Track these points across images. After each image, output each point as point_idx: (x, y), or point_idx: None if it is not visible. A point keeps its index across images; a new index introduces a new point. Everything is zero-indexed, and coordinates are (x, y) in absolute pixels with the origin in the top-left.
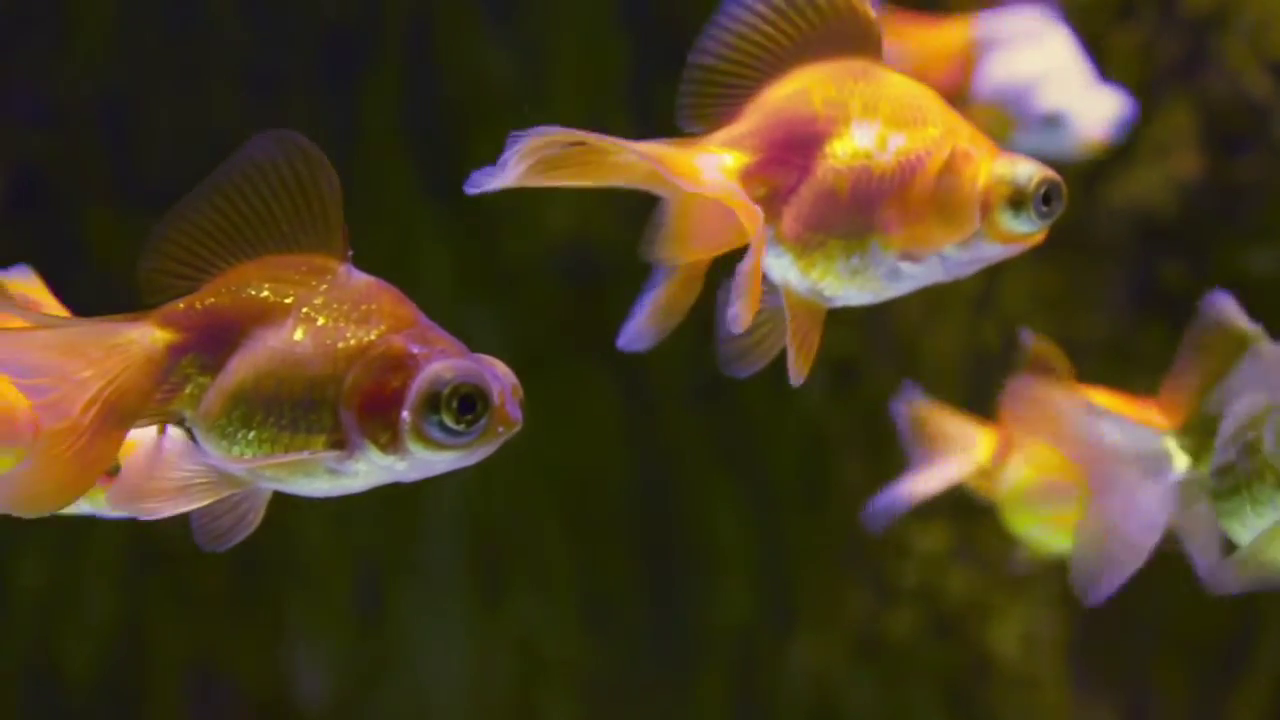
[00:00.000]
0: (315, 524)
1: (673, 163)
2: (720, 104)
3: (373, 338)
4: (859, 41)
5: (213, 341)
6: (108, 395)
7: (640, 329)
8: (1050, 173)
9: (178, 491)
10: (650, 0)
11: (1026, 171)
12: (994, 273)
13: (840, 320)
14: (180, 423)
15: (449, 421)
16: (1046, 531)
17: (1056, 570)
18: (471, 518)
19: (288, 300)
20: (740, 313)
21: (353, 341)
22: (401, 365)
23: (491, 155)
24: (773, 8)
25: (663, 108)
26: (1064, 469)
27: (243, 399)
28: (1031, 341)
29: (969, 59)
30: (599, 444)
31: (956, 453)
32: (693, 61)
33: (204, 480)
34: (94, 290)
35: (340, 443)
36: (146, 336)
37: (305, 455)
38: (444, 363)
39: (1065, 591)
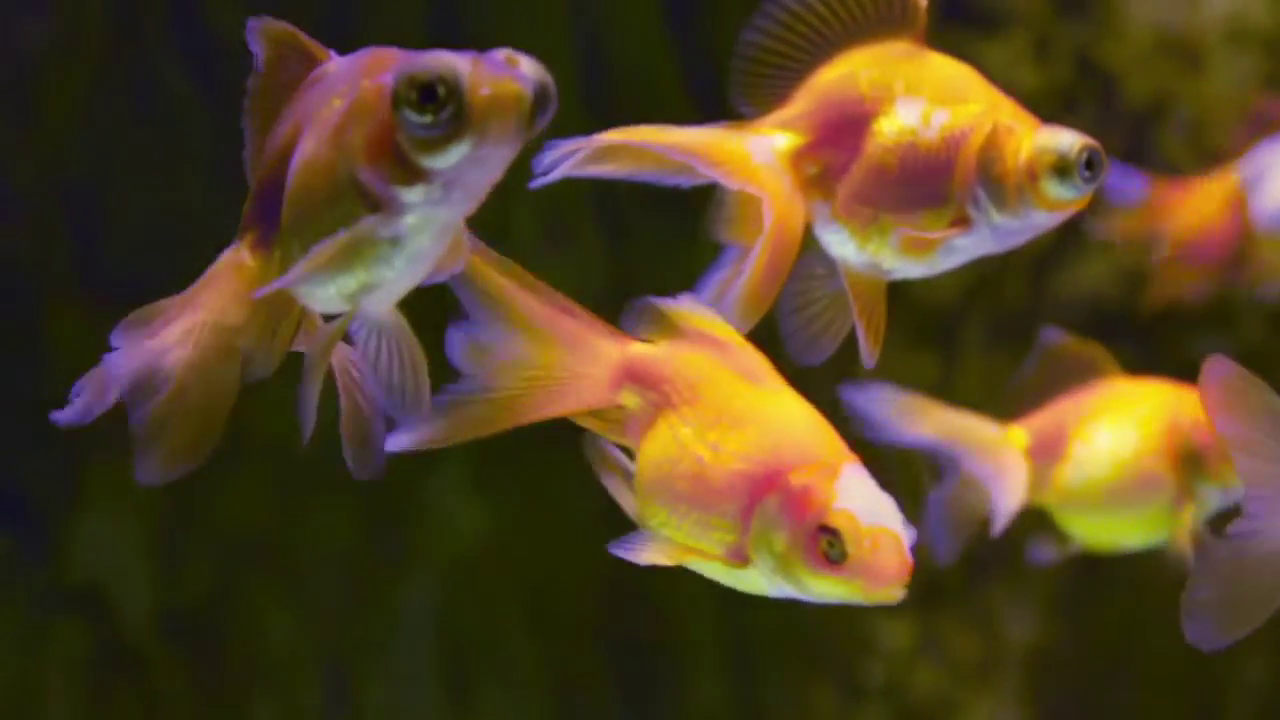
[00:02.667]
0: (283, 624)
1: (721, 149)
2: (771, 85)
3: (356, 96)
4: (903, 24)
5: (275, 214)
6: (212, 321)
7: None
8: (1092, 140)
9: (314, 363)
10: (611, 90)
11: (1069, 140)
12: (949, 362)
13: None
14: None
15: (416, 116)
16: (1094, 532)
17: (1022, 665)
18: (440, 616)
19: (296, 128)
20: (747, 304)
21: (344, 112)
22: (380, 96)
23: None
24: None
25: (624, 199)
26: (1121, 471)
27: (294, 230)
28: (1058, 339)
29: (1240, 202)
30: (567, 538)
31: (995, 464)
32: (745, 40)
33: (322, 339)
34: (58, 381)
35: (376, 205)
36: (234, 253)
37: (342, 234)
38: (400, 63)
39: (1030, 687)
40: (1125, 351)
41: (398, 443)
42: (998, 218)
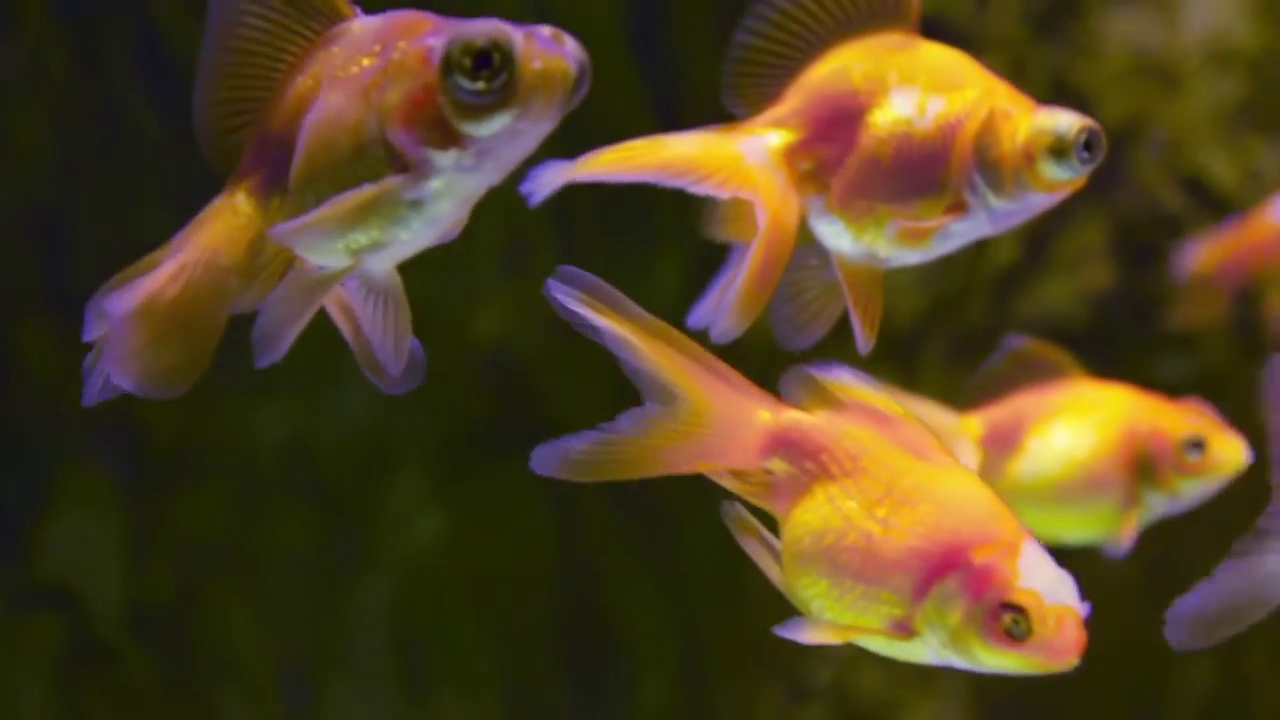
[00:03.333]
0: (246, 623)
1: (713, 155)
2: (763, 84)
3: (394, 57)
4: (895, 16)
5: (281, 160)
6: (207, 260)
7: (710, 309)
8: (1090, 121)
9: (298, 310)
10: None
11: (1067, 121)
12: (910, 381)
13: None
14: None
15: (466, 81)
16: (1037, 524)
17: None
18: (397, 618)
19: (314, 82)
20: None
21: (377, 72)
22: (423, 60)
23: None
24: None
25: (583, 220)
26: (1073, 470)
27: (307, 184)
28: (1024, 344)
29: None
30: (522, 542)
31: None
32: (736, 41)
33: (314, 288)
34: (28, 403)
35: (404, 166)
36: (231, 196)
37: (368, 187)
38: (454, 30)
39: (974, 689)
40: (1087, 371)
41: (543, 468)
42: (995, 202)
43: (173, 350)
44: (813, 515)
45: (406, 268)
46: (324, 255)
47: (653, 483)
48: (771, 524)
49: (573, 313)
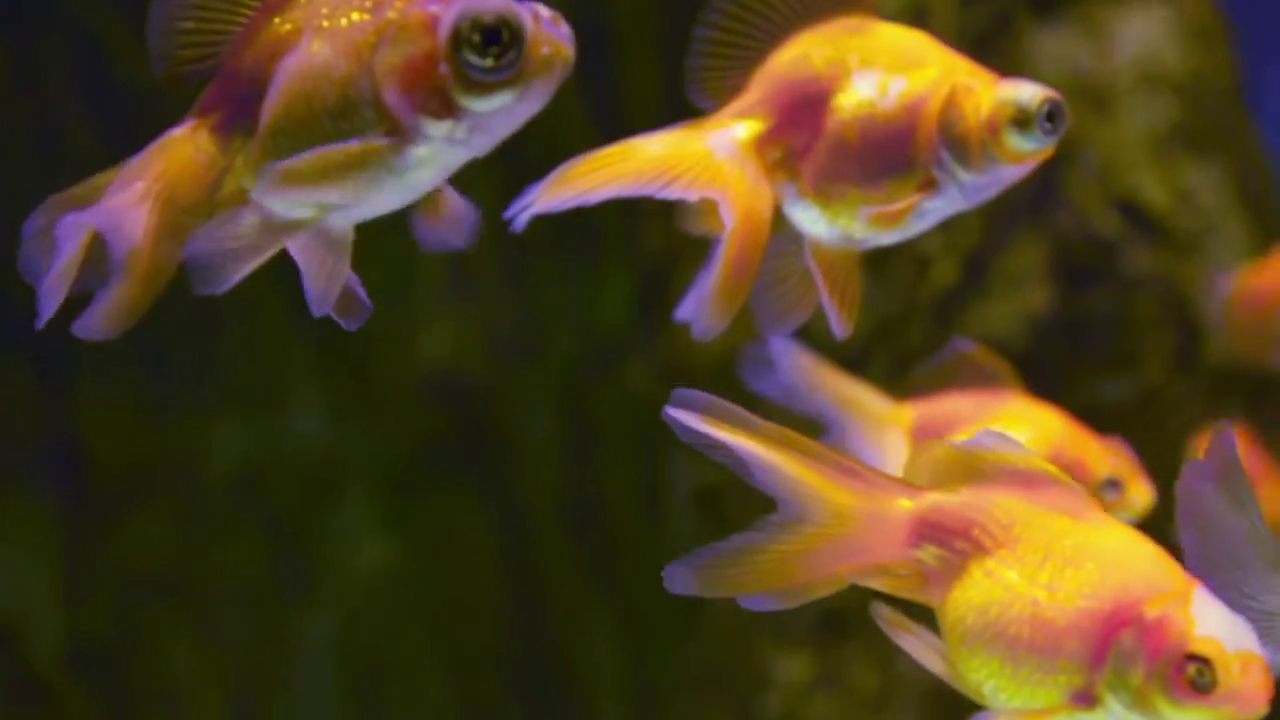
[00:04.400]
0: (188, 655)
1: (681, 156)
2: (727, 77)
3: (390, 16)
4: (852, 1)
5: (246, 103)
6: (166, 194)
7: (693, 305)
8: (1052, 91)
9: (247, 253)
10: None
11: (1029, 92)
12: None
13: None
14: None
15: (476, 58)
16: None
17: (919, 698)
18: (344, 647)
19: (299, 25)
20: (716, 311)
21: (372, 30)
22: (426, 27)
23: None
24: None
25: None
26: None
27: (281, 131)
28: (970, 349)
29: None
30: (471, 570)
31: (874, 435)
32: (697, 36)
33: (269, 235)
34: None
35: (394, 129)
36: (193, 130)
37: (357, 142)
38: (465, 3)
39: (924, 716)
40: (1026, 388)
41: (678, 586)
42: (964, 176)
43: (130, 292)
44: (974, 592)
45: None
46: (289, 206)
47: (605, 510)
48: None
49: (694, 434)
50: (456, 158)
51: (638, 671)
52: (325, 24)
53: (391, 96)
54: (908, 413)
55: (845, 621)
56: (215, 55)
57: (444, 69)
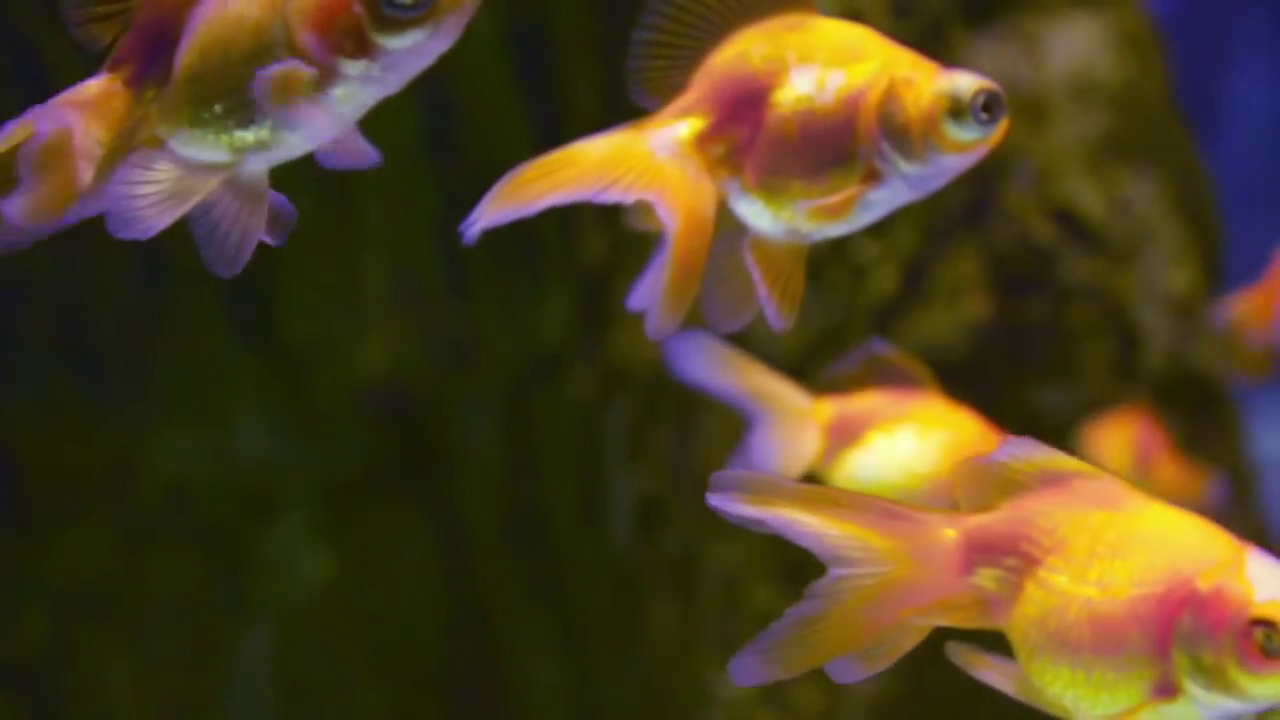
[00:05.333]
0: (123, 674)
1: (621, 157)
2: (669, 77)
3: None
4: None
5: (158, 55)
6: (82, 130)
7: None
8: (988, 82)
9: (168, 200)
10: (458, 146)
11: (964, 83)
12: None
13: (645, 461)
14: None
15: None
16: None
17: (861, 712)
18: (280, 665)
19: None
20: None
21: None
22: None
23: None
24: None
25: (470, 252)
26: (908, 479)
27: (196, 78)
28: (885, 350)
29: None
30: (411, 584)
31: (790, 428)
32: (637, 37)
33: (189, 180)
34: None
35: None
36: (106, 82)
37: (291, 64)
38: None
39: None
40: (966, 400)
41: (748, 679)
42: (907, 167)
43: (43, 200)
44: (1031, 607)
45: (291, 300)
46: (206, 150)
47: (546, 522)
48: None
49: (742, 518)
50: (372, 95)
51: (579, 687)
52: None
53: (306, 38)
54: (825, 409)
55: None
56: (127, 8)
57: (358, 8)
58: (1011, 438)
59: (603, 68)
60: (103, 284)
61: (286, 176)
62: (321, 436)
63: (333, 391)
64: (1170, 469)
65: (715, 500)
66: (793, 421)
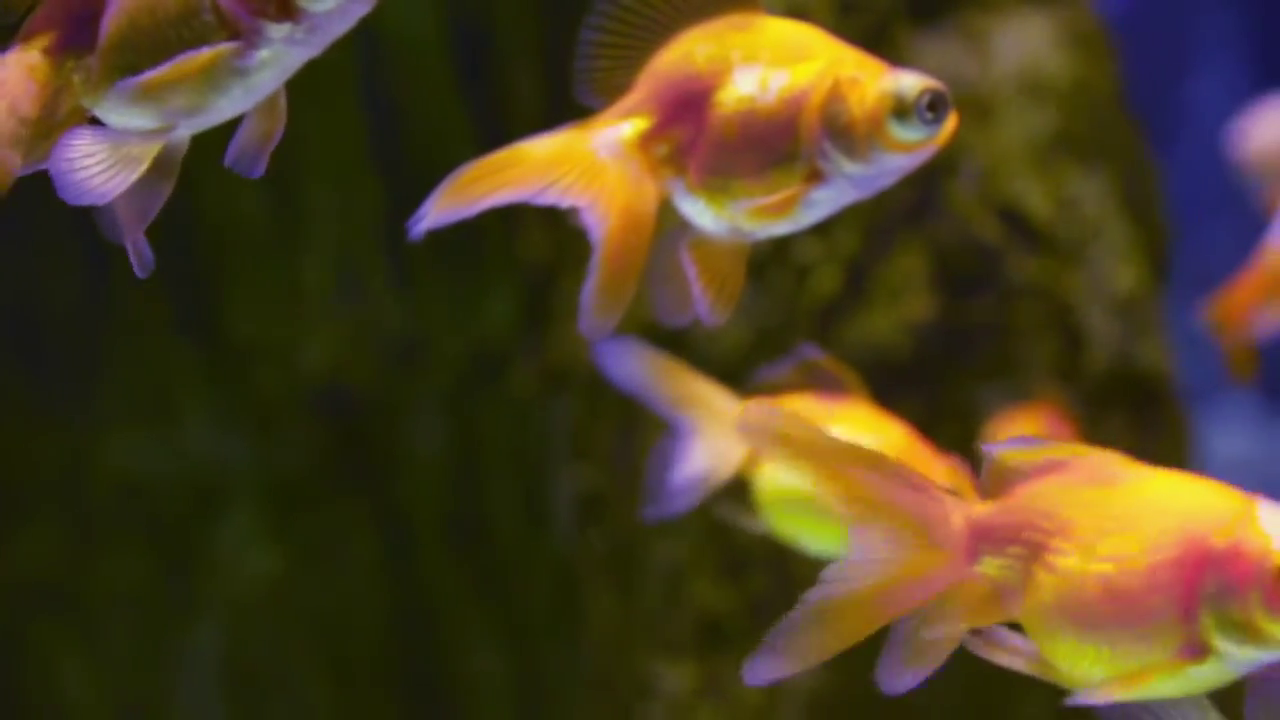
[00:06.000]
0: (74, 669)
1: (563, 157)
2: (614, 75)
3: None
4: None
5: (81, 25)
6: (6, 106)
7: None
8: (932, 81)
9: (114, 169)
10: (401, 146)
11: (908, 82)
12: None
13: (587, 457)
14: (90, 117)
15: None
16: (783, 522)
17: (803, 709)
18: (230, 660)
19: None
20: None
21: None
22: None
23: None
24: None
25: (415, 251)
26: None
27: (124, 44)
28: (814, 355)
29: None
30: (357, 581)
31: (717, 431)
32: (584, 38)
33: (127, 150)
34: None
35: (236, 34)
36: (23, 53)
37: (207, 50)
38: None
39: None
40: (910, 400)
41: (761, 677)
42: (850, 167)
43: None
44: (1044, 593)
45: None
46: (135, 117)
47: (490, 518)
48: None
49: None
50: (297, 58)
51: (522, 680)
52: None
53: (229, 2)
54: None
55: (726, 631)
56: None
57: None
58: (1010, 438)
59: (545, 67)
60: (49, 282)
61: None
62: (268, 433)
63: (278, 389)
64: None
65: (744, 434)
66: (721, 425)
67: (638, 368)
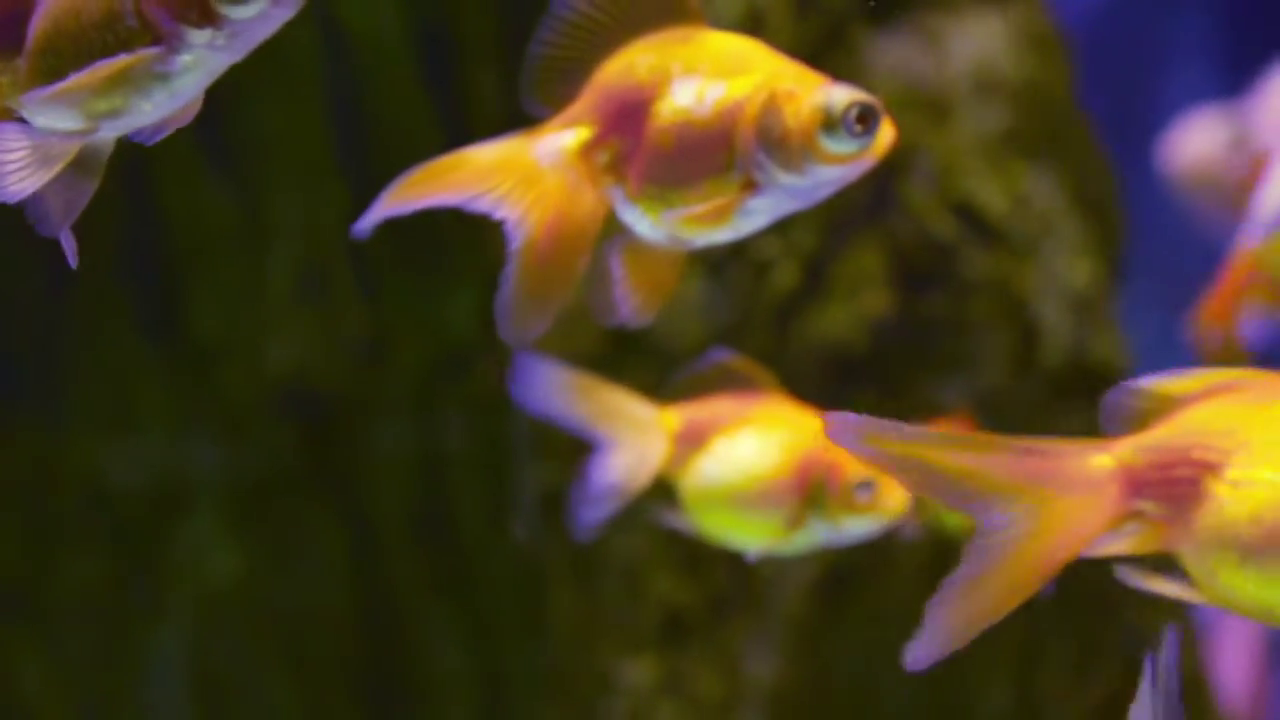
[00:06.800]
0: (34, 672)
1: (505, 165)
2: (561, 86)
3: None
4: (678, 14)
5: (8, 27)
6: None
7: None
8: (861, 95)
9: (30, 168)
10: (366, 146)
11: (837, 95)
12: None
13: (549, 455)
14: (17, 117)
15: None
16: (708, 520)
17: (764, 703)
18: (193, 661)
19: None
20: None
21: None
22: None
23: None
24: None
25: (379, 251)
26: (747, 479)
27: (50, 48)
28: (727, 357)
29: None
30: (321, 582)
31: (638, 438)
32: (531, 51)
33: (47, 150)
34: None
35: (159, 39)
36: None
37: (125, 56)
38: None
39: None
40: (868, 395)
41: (926, 658)
42: (785, 178)
43: None
44: (1232, 509)
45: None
46: (62, 120)
47: (453, 518)
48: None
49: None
50: (220, 63)
51: (486, 677)
52: None
53: (151, 8)
54: (672, 417)
55: (688, 626)
56: None
57: None
58: None
59: (509, 67)
60: (9, 284)
61: (196, 175)
62: (231, 434)
63: (242, 390)
64: None
65: (834, 436)
66: (639, 432)
67: (550, 391)
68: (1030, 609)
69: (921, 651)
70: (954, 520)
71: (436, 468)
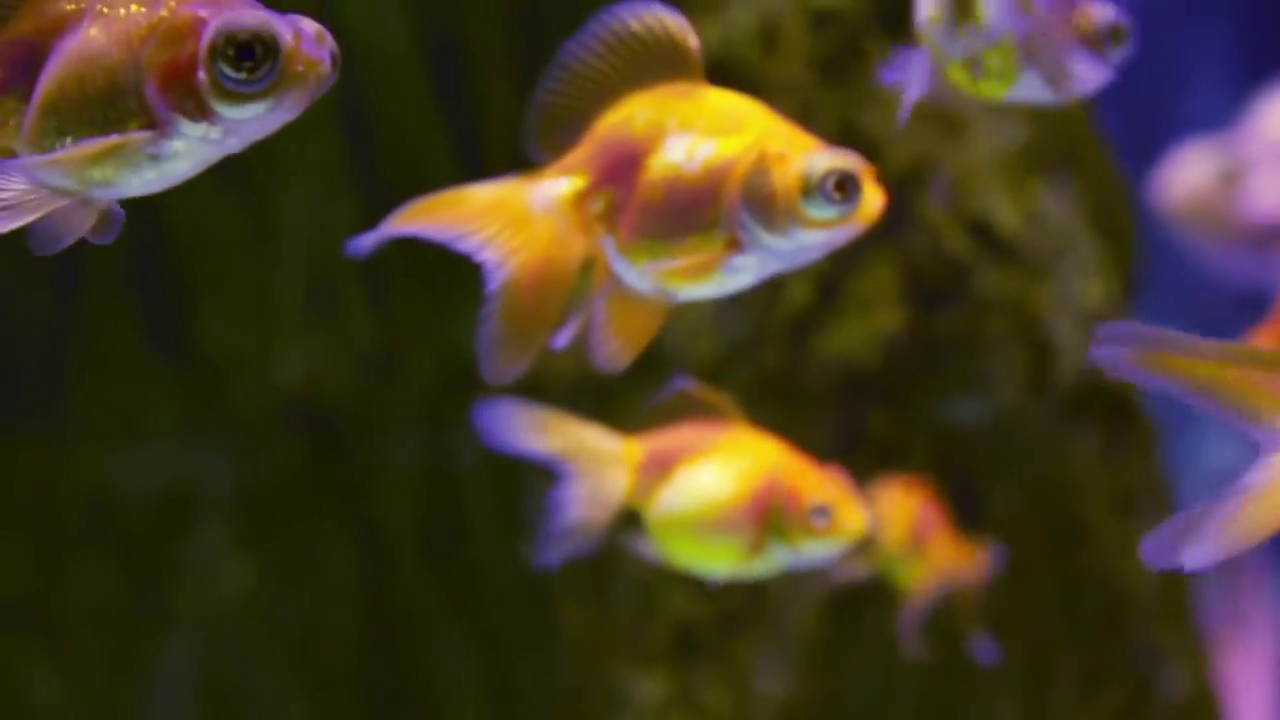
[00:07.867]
0: (45, 683)
1: (503, 204)
2: (562, 134)
3: (163, 14)
4: (681, 68)
5: (24, 69)
6: None
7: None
8: (842, 162)
9: (11, 209)
10: (377, 158)
11: (818, 162)
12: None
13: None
14: (12, 154)
15: (230, 70)
16: (674, 548)
17: (771, 714)
18: (202, 673)
19: (81, 6)
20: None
21: (144, 23)
22: (191, 30)
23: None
24: (604, 45)
25: (389, 264)
26: (708, 508)
27: (53, 109)
28: (689, 386)
29: None
30: (331, 595)
31: (601, 469)
32: (535, 101)
33: (34, 195)
34: None
35: (151, 123)
36: None
37: (115, 138)
38: (225, 16)
39: None
40: (880, 414)
41: (1194, 561)
42: (768, 239)
43: None
44: None
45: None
46: (55, 182)
47: (464, 533)
48: None
49: (1131, 372)
50: (212, 154)
51: (495, 693)
52: (105, 10)
53: (151, 92)
54: (637, 448)
55: (699, 641)
56: (6, 13)
57: (201, 76)
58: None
59: (521, 78)
60: (19, 296)
61: (204, 187)
62: (241, 447)
63: (252, 403)
64: (944, 543)
65: (1102, 355)
66: (604, 464)
67: (518, 428)
68: (1037, 626)
69: (1201, 553)
70: (903, 572)
71: (447, 481)
